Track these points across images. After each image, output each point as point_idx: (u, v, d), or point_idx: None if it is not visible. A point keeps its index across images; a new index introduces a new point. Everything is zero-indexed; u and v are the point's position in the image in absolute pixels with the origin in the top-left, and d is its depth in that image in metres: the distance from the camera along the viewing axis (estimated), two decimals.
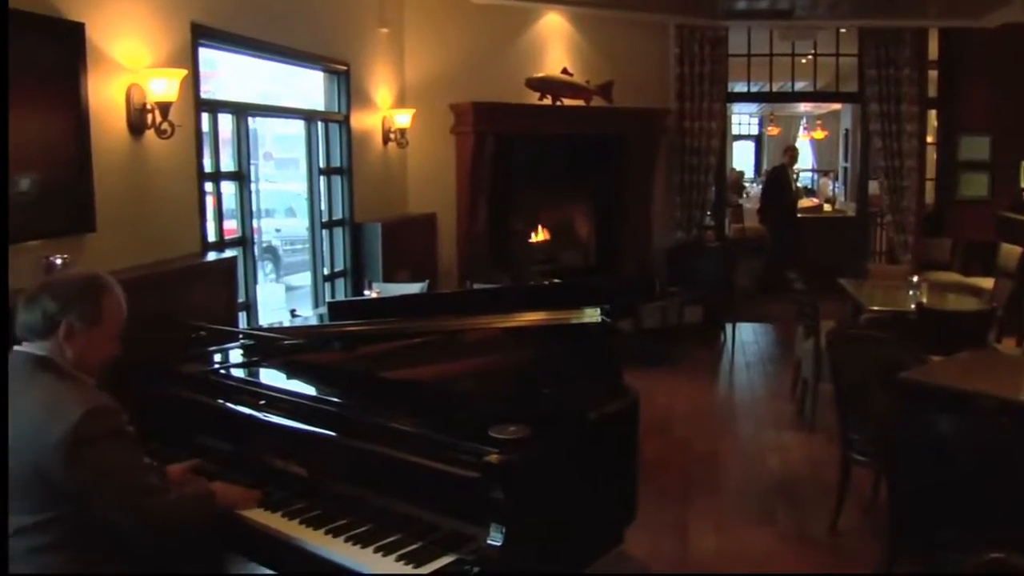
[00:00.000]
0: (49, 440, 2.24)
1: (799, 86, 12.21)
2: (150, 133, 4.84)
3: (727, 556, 4.69)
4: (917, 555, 4.19)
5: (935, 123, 11.36)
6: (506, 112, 8.65)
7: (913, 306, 6.36)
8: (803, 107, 19.29)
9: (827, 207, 15.66)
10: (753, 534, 4.94)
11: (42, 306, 2.42)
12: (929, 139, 11.04)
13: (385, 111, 8.10)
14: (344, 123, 7.51)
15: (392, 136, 8.15)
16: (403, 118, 8.13)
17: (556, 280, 7.76)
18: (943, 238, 10.77)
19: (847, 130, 16.91)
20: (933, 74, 10.85)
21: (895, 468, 4.27)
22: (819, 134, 19.59)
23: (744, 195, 17.38)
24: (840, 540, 4.81)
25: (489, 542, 2.34)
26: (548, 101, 8.95)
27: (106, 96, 4.56)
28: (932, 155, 11.25)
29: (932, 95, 10.86)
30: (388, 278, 7.35)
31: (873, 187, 11.39)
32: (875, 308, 6.64)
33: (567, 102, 9.08)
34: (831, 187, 18.08)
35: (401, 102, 8.36)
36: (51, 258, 4.06)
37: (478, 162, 8.54)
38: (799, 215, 13.22)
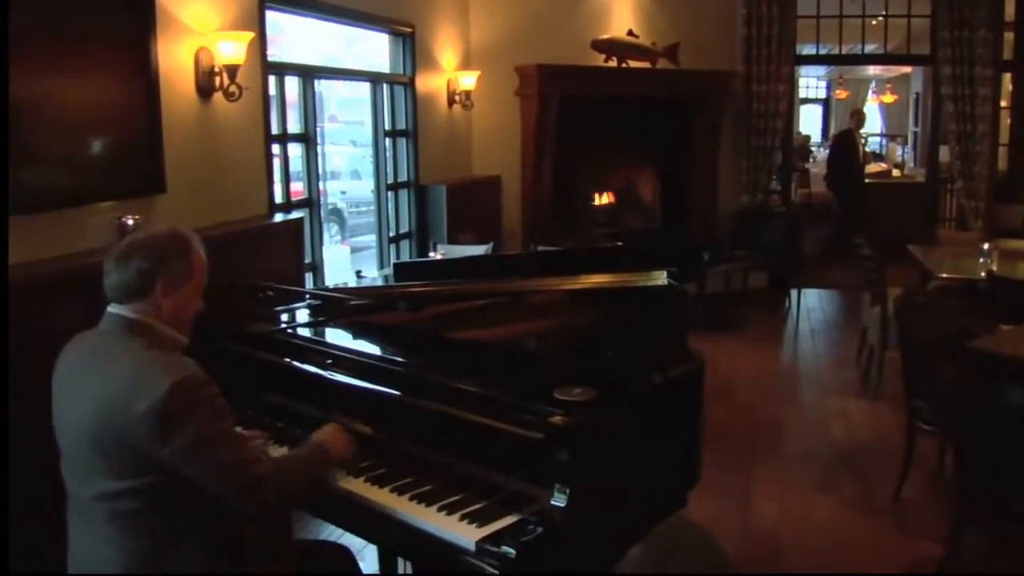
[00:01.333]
0: (135, 412, 2.20)
1: (869, 48, 11.96)
2: (218, 96, 4.89)
3: (789, 523, 4.67)
4: (983, 526, 4.15)
5: (1010, 87, 11.08)
6: (571, 74, 8.61)
7: (983, 274, 6.25)
8: (872, 70, 18.89)
9: (896, 172, 15.42)
10: (816, 501, 4.93)
11: (136, 265, 2.38)
12: (1003, 103, 10.76)
13: (450, 73, 8.10)
14: (409, 85, 7.52)
15: (457, 98, 8.15)
16: (468, 80, 8.13)
17: (619, 243, 7.75)
18: (1016, 204, 10.52)
19: (918, 94, 16.59)
20: (1009, 36, 10.56)
21: (962, 438, 4.22)
22: (888, 98, 19.17)
23: (811, 160, 17.15)
24: (904, 509, 4.77)
25: (552, 503, 2.35)
26: (614, 63, 8.88)
27: (175, 59, 4.61)
28: (1006, 119, 10.97)
29: (1007, 57, 10.56)
30: (453, 240, 7.38)
31: (944, 152, 11.17)
32: (944, 275, 6.53)
33: (633, 64, 9.00)
34: (900, 152, 17.76)
35: (466, 64, 8.35)
36: (123, 219, 4.13)
37: (543, 124, 8.52)
38: (867, 180, 13.03)
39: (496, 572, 2.27)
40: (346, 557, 2.85)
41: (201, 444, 2.26)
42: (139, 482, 2.27)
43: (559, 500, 2.35)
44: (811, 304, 9.91)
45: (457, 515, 2.46)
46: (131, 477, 2.27)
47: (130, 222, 4.14)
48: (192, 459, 2.26)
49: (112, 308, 2.43)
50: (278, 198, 5.68)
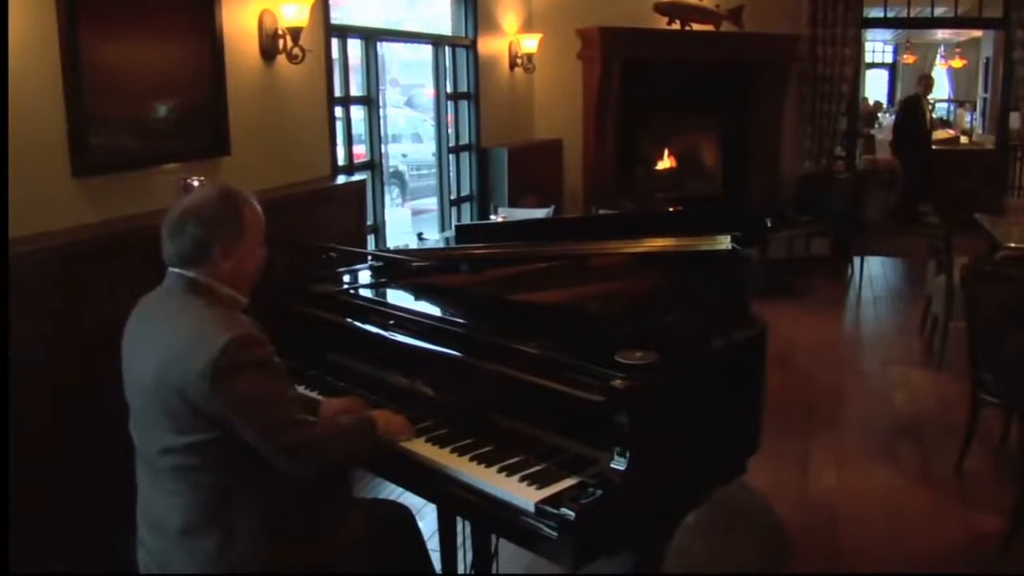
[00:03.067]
0: (194, 367, 2.26)
1: (938, 11, 11.66)
2: (281, 58, 4.92)
3: (848, 492, 4.65)
4: None
5: None
6: (634, 37, 8.55)
7: None
8: (941, 34, 18.50)
9: (964, 139, 15.11)
10: (875, 471, 4.89)
11: (191, 234, 2.41)
12: None
13: (512, 36, 8.07)
14: (471, 48, 7.51)
15: (519, 61, 8.13)
16: (530, 43, 8.10)
17: (678, 207, 7.71)
18: None
19: (988, 58, 16.24)
20: None
21: None
22: (957, 63, 18.75)
23: (876, 126, 16.87)
24: (965, 481, 4.71)
25: (612, 466, 2.36)
26: (677, 26, 8.80)
27: (239, 22, 4.65)
28: None
29: None
30: (513, 203, 7.39)
31: (1014, 119, 10.93)
32: (1012, 245, 6.39)
33: (696, 27, 8.91)
34: (968, 118, 17.41)
35: (528, 27, 8.31)
36: (188, 180, 4.19)
37: (605, 88, 8.47)
38: (934, 147, 12.80)
39: (554, 534, 2.27)
40: (405, 515, 2.88)
41: (252, 400, 2.33)
42: (198, 438, 2.33)
43: (619, 464, 2.35)
44: (874, 272, 9.79)
45: (517, 476, 2.47)
46: (190, 433, 2.33)
47: (195, 183, 4.19)
48: (243, 415, 2.31)
49: (174, 268, 2.48)
50: (340, 160, 5.72)
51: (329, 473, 2.61)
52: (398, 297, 3.44)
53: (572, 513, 2.24)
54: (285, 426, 2.38)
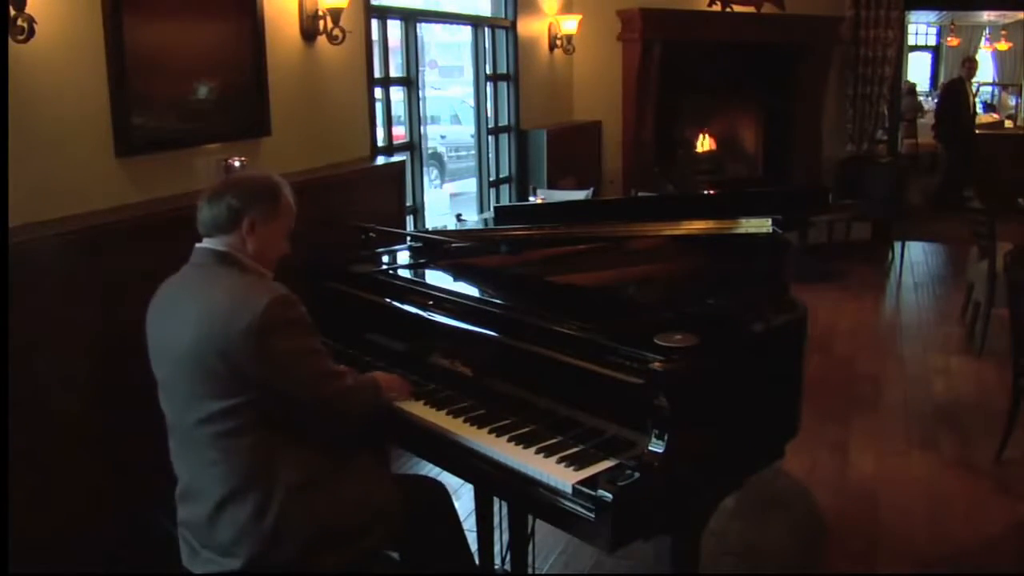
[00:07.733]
0: (237, 328, 2.34)
1: None
2: (322, 39, 4.94)
3: (887, 478, 4.62)
4: None
5: None
6: (675, 18, 8.50)
7: None
8: (986, 16, 18.15)
9: (1008, 123, 14.90)
10: (914, 458, 4.85)
11: (226, 202, 2.53)
12: None
13: (552, 17, 8.04)
14: (511, 29, 7.50)
15: (558, 42, 8.10)
16: (570, 24, 8.06)
17: (712, 191, 7.69)
18: None
19: None
20: None
21: None
22: (1003, 45, 18.43)
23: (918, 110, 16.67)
24: (1006, 470, 4.67)
25: (650, 448, 2.35)
26: (718, 7, 8.75)
27: (280, 3, 4.67)
28: None
29: None
30: (552, 185, 7.38)
31: None
32: None
33: (737, 8, 8.85)
34: (1013, 102, 17.16)
35: (568, 8, 8.28)
36: (230, 160, 4.22)
37: (645, 69, 8.44)
38: (977, 131, 12.63)
39: (592, 515, 2.27)
40: (441, 491, 2.90)
41: (296, 355, 2.45)
42: (237, 401, 2.40)
43: (657, 446, 2.34)
44: (915, 257, 9.70)
45: (555, 458, 2.47)
46: (230, 396, 2.40)
47: (236, 163, 4.22)
48: (288, 370, 2.44)
49: (201, 243, 2.58)
50: (380, 141, 5.73)
51: (346, 426, 2.70)
52: (437, 278, 3.45)
53: (609, 495, 2.24)
54: (327, 376, 2.54)
